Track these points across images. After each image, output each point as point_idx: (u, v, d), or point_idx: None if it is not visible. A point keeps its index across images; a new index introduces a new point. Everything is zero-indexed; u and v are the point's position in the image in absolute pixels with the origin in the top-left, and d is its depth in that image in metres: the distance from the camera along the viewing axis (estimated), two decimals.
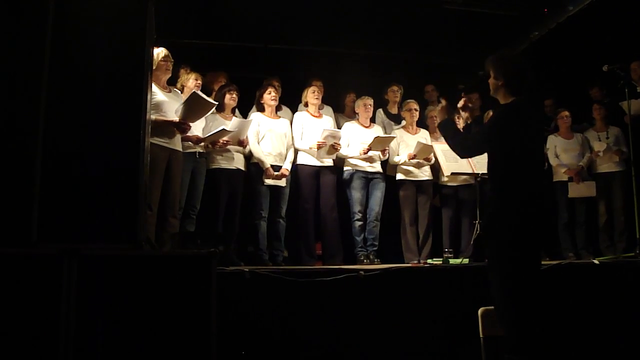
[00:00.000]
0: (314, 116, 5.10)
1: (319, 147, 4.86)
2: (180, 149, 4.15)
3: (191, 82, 4.53)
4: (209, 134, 4.38)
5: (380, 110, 5.70)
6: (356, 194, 5.03)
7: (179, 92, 4.36)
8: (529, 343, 2.75)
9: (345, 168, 5.15)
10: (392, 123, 5.65)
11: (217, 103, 4.37)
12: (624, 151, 5.28)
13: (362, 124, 5.23)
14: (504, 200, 2.89)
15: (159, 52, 4.00)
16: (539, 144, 3.02)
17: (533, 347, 2.75)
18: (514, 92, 2.95)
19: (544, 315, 2.84)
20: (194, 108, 4.07)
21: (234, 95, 4.70)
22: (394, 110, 5.80)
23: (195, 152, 4.43)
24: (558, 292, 3.66)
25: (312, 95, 5.08)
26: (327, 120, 5.17)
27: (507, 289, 2.83)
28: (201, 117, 4.31)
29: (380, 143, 4.99)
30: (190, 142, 4.35)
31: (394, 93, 5.76)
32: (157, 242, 3.91)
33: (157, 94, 4.00)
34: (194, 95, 4.08)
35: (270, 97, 4.86)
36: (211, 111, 4.43)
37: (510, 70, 2.95)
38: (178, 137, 4.12)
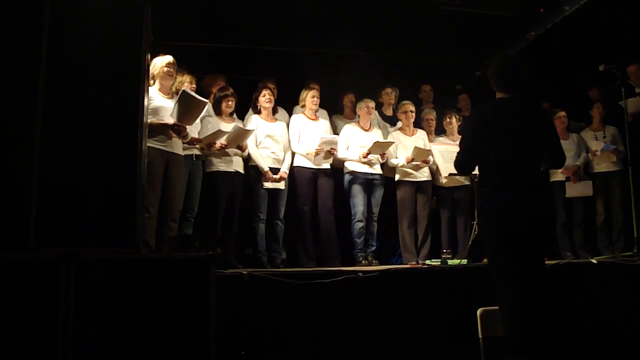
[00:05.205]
0: (310, 119, 5.10)
1: (316, 153, 4.87)
2: (180, 152, 4.15)
3: (186, 85, 4.49)
4: (205, 135, 4.37)
5: (375, 112, 5.70)
6: (358, 198, 5.02)
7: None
8: (525, 343, 2.76)
9: (345, 173, 5.15)
10: (387, 125, 5.65)
11: (207, 101, 4.34)
12: (621, 150, 5.29)
13: (362, 127, 5.22)
14: (482, 199, 2.96)
15: (163, 60, 4.05)
16: (527, 141, 2.91)
17: (530, 347, 2.76)
18: (502, 90, 3.02)
19: (537, 315, 2.83)
20: (186, 108, 4.04)
21: (230, 103, 4.68)
22: (388, 112, 5.80)
23: (192, 154, 4.41)
24: (556, 291, 3.67)
25: (310, 99, 5.08)
26: (323, 124, 5.17)
27: (498, 288, 2.88)
28: (196, 117, 4.27)
29: (380, 147, 5.00)
30: (186, 144, 4.33)
31: (388, 96, 5.76)
32: (158, 246, 3.91)
33: (156, 98, 4.02)
34: (183, 93, 4.02)
35: (265, 99, 4.85)
36: (209, 114, 4.41)
37: (496, 70, 3.03)
38: (177, 140, 4.12)
